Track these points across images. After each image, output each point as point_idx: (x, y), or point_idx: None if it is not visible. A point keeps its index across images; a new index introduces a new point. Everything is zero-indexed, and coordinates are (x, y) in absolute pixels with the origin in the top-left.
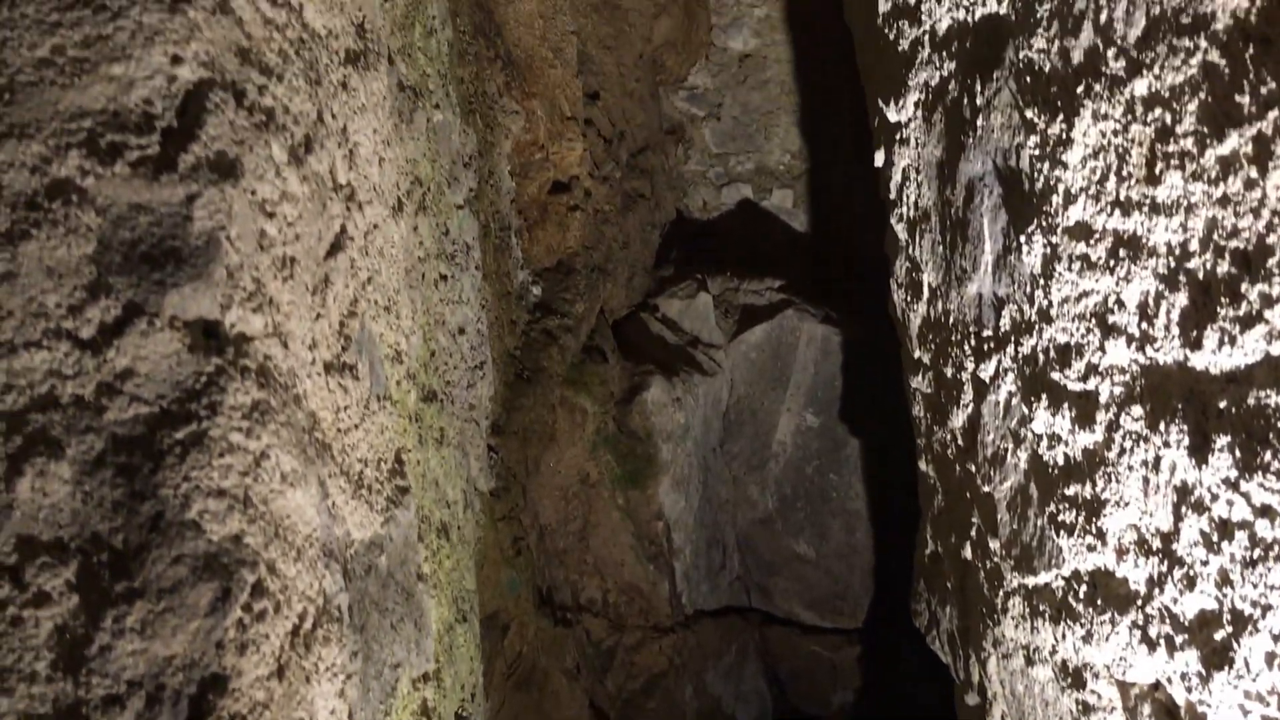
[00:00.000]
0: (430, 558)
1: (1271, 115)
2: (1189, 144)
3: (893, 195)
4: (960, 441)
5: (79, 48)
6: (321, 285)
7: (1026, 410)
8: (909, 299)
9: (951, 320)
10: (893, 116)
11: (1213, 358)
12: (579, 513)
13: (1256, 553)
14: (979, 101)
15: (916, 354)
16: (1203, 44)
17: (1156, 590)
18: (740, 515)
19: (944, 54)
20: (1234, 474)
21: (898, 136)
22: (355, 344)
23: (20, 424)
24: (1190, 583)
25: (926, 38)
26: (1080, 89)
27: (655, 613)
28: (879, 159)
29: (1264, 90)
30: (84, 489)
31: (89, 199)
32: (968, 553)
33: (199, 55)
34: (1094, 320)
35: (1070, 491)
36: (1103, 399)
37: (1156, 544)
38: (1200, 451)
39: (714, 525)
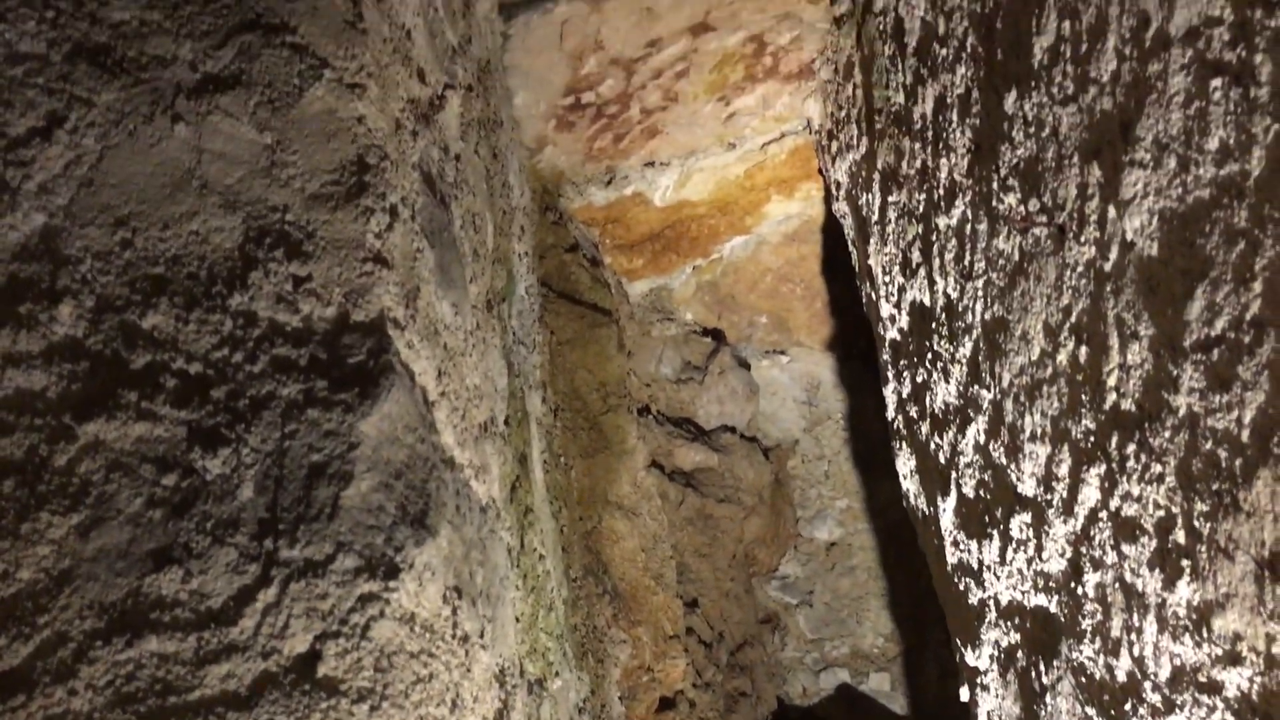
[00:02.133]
0: None
1: None
2: None
3: None
4: None
5: None
6: None
7: None
8: None
9: None
10: (971, 661)
11: None
12: None
13: None
14: (1045, 680)
15: None
16: (1219, 704)
17: None
18: None
19: (1009, 623)
20: None
21: (978, 681)
22: None
23: None
24: None
25: (992, 602)
26: (1128, 706)
27: None
28: (964, 695)
29: None
30: None
31: None
32: None
33: None
34: None
35: None
36: None
37: None
38: None
39: None
